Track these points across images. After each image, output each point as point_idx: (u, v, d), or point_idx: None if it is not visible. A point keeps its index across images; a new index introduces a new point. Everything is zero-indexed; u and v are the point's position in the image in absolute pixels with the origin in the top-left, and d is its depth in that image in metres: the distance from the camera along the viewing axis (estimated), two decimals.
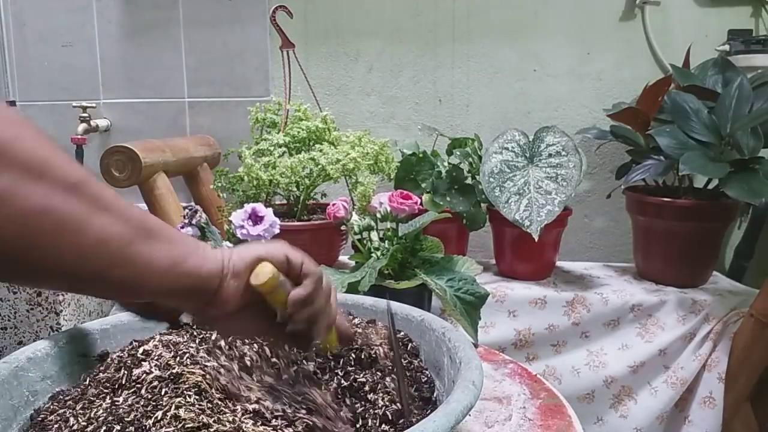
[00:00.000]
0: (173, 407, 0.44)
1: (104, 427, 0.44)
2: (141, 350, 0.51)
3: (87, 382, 0.53)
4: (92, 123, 1.69)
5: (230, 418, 0.45)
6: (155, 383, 0.47)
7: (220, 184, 1.33)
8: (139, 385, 0.48)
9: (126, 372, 0.49)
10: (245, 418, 0.46)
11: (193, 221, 1.09)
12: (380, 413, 0.55)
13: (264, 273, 0.53)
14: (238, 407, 0.47)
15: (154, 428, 0.43)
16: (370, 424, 0.54)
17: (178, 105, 1.73)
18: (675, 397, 1.25)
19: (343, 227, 1.16)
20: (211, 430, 0.43)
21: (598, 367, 1.27)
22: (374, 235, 1.11)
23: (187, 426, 0.43)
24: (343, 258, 1.38)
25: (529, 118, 1.64)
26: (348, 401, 0.56)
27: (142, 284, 0.45)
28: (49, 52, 1.75)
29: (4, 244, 0.37)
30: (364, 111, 1.68)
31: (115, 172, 1.35)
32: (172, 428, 0.43)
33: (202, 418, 0.44)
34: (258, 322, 0.55)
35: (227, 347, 0.52)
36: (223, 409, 0.46)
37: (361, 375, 0.60)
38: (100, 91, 1.75)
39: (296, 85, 1.53)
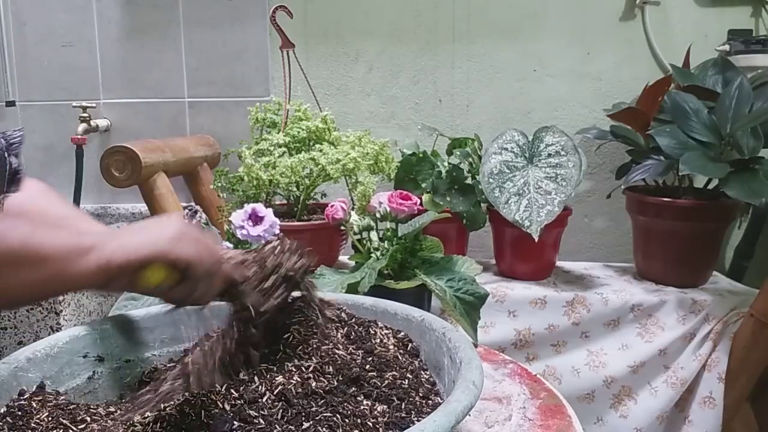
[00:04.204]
0: None
1: None
2: None
3: None
4: (92, 123, 1.69)
5: None
6: None
7: (220, 184, 1.33)
8: None
9: None
10: None
11: (193, 221, 1.09)
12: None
13: (155, 278, 0.54)
14: None
15: None
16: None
17: (178, 105, 1.73)
18: (675, 397, 1.25)
19: (342, 228, 1.16)
20: None
21: (598, 367, 1.27)
22: (374, 235, 1.11)
23: None
24: (343, 258, 1.38)
25: (529, 118, 1.64)
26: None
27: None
28: (48, 52, 1.74)
29: None
30: (364, 111, 1.68)
31: (115, 172, 1.35)
32: None
33: None
34: None
35: None
36: None
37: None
38: (100, 91, 1.74)
39: (296, 85, 1.53)
